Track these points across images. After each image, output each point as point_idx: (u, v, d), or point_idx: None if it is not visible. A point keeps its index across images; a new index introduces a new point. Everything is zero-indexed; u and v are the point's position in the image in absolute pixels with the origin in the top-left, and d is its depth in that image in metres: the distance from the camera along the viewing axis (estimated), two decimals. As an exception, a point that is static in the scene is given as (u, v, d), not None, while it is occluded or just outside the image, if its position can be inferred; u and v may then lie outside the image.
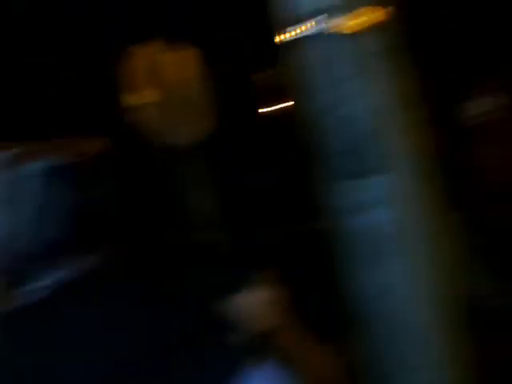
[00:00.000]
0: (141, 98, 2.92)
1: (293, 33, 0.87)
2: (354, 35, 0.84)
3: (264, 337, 0.83)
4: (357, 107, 0.86)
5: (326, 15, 0.84)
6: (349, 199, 0.89)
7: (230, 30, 3.18)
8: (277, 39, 0.89)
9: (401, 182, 0.89)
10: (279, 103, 3.76)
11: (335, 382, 0.97)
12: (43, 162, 0.71)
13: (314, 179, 0.92)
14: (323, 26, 0.84)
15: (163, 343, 0.67)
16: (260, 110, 3.83)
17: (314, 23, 0.84)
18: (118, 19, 2.89)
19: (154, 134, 3.02)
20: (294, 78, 0.89)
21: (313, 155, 0.91)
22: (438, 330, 0.91)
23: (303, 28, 0.85)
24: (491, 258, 1.38)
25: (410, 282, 0.90)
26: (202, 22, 2.99)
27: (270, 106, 3.76)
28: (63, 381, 0.62)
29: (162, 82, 2.90)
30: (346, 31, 0.83)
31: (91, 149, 0.78)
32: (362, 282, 0.90)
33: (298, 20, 0.86)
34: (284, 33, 0.88)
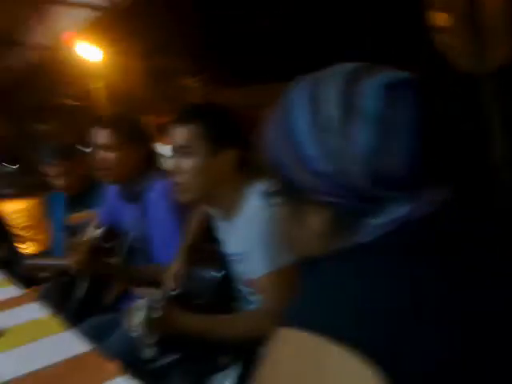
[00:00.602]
0: (446, 19, 2.84)
1: None
2: None
3: None
4: None
5: None
6: None
7: None
8: None
9: None
10: None
11: None
12: (383, 76, 0.60)
13: None
14: None
15: None
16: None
17: None
18: None
19: (458, 57, 2.91)
20: None
21: None
22: None
23: None
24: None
25: None
26: None
27: None
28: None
29: (469, 4, 2.79)
30: None
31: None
32: None
33: None
34: None
